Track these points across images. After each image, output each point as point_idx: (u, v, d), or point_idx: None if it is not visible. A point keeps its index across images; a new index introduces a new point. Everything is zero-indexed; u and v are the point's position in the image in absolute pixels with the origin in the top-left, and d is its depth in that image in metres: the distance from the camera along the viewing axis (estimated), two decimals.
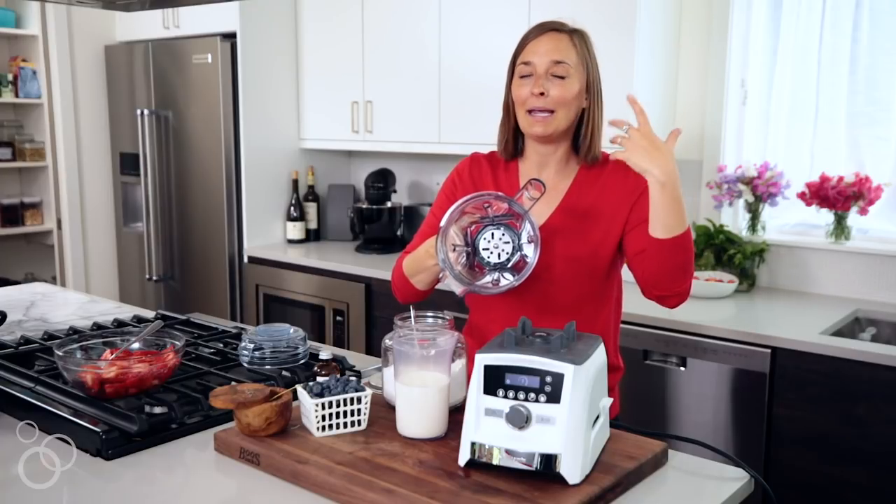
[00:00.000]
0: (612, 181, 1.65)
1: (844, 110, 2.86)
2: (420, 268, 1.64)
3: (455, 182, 1.76)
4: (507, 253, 1.47)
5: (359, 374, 1.74)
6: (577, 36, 1.62)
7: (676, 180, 1.45)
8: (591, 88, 1.64)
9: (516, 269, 1.48)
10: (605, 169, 1.67)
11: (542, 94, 1.57)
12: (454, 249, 1.48)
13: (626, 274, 1.72)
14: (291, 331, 1.80)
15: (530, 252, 1.47)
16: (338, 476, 1.23)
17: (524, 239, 1.47)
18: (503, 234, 1.47)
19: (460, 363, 1.49)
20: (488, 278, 1.49)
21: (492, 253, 1.48)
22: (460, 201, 1.48)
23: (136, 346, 1.64)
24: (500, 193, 1.50)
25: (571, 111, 1.61)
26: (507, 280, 1.48)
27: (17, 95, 4.30)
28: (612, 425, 1.38)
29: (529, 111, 1.60)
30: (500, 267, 1.48)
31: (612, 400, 1.32)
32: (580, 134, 1.66)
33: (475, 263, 1.50)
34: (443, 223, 1.46)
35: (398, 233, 3.74)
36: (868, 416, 2.21)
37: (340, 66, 3.70)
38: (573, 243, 1.63)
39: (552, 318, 1.60)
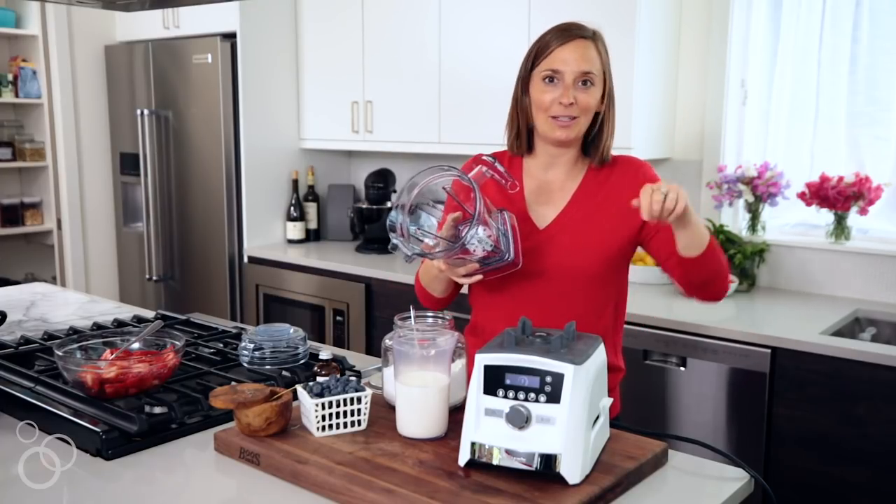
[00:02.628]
0: (622, 184, 1.65)
1: (844, 110, 2.86)
2: (430, 277, 1.69)
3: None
4: (491, 247, 1.48)
5: (359, 374, 1.74)
6: (599, 41, 1.64)
7: (691, 212, 1.48)
8: (608, 93, 1.65)
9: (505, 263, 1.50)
10: (614, 170, 1.68)
11: (571, 104, 1.58)
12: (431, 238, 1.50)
13: (629, 275, 1.72)
14: (291, 331, 1.80)
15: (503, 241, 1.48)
16: (338, 476, 1.23)
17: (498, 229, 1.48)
18: (484, 229, 1.48)
19: (460, 363, 1.49)
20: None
21: (476, 247, 1.48)
22: (417, 176, 1.52)
23: (136, 346, 1.64)
24: (447, 165, 1.52)
25: (591, 116, 1.64)
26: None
27: (17, 95, 4.30)
28: (612, 425, 1.38)
29: (554, 116, 1.60)
30: (488, 261, 1.50)
31: (612, 400, 1.32)
32: (592, 136, 1.66)
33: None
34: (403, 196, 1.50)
35: None
36: (868, 416, 2.21)
37: (340, 66, 3.70)
38: (579, 243, 1.63)
39: (554, 318, 1.58)
